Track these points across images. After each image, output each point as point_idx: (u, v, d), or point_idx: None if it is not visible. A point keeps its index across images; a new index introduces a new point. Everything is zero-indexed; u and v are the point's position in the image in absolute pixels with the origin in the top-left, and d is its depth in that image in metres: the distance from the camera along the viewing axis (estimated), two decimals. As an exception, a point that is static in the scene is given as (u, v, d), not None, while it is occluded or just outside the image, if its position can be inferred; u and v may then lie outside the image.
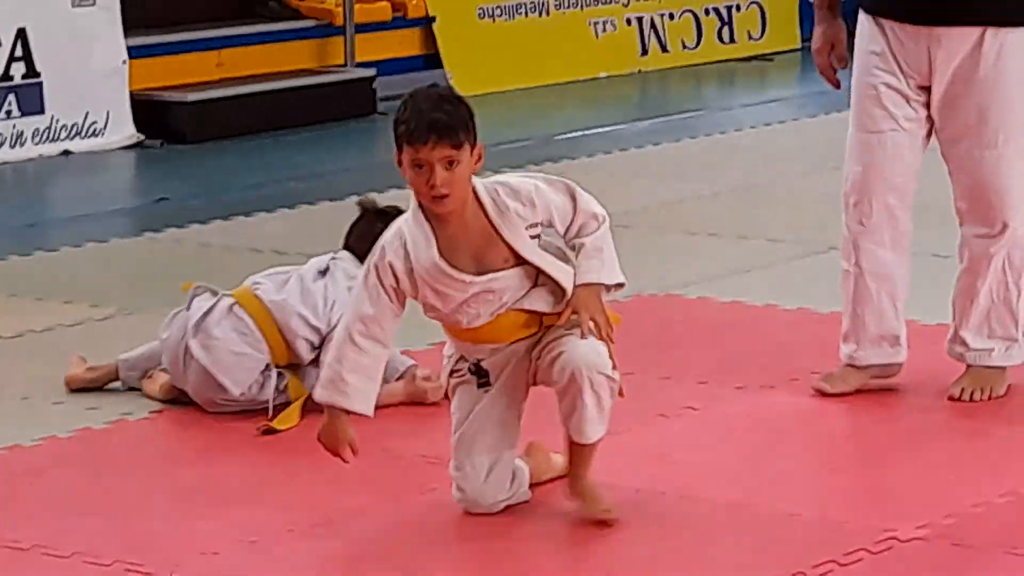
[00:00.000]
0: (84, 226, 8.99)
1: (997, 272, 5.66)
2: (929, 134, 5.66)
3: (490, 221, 4.61)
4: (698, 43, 13.97)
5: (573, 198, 4.73)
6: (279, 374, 6.02)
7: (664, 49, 13.71)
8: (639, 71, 13.65)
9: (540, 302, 4.71)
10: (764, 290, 7.16)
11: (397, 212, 4.94)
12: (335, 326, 5.72)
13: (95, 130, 10.81)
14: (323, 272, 6.11)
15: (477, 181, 4.63)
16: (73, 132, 10.74)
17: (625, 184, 9.67)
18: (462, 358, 4.83)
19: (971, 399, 5.69)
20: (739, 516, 4.92)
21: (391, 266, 4.63)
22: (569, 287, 4.69)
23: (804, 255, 7.52)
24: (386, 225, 5.24)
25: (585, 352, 4.64)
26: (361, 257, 5.60)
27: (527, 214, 4.63)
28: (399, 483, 5.32)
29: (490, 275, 4.61)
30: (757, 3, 14.39)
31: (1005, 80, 5.47)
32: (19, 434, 5.68)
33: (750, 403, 5.85)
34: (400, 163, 4.60)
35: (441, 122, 4.51)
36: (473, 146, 4.59)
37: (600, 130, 11.01)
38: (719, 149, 10.38)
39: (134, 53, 11.08)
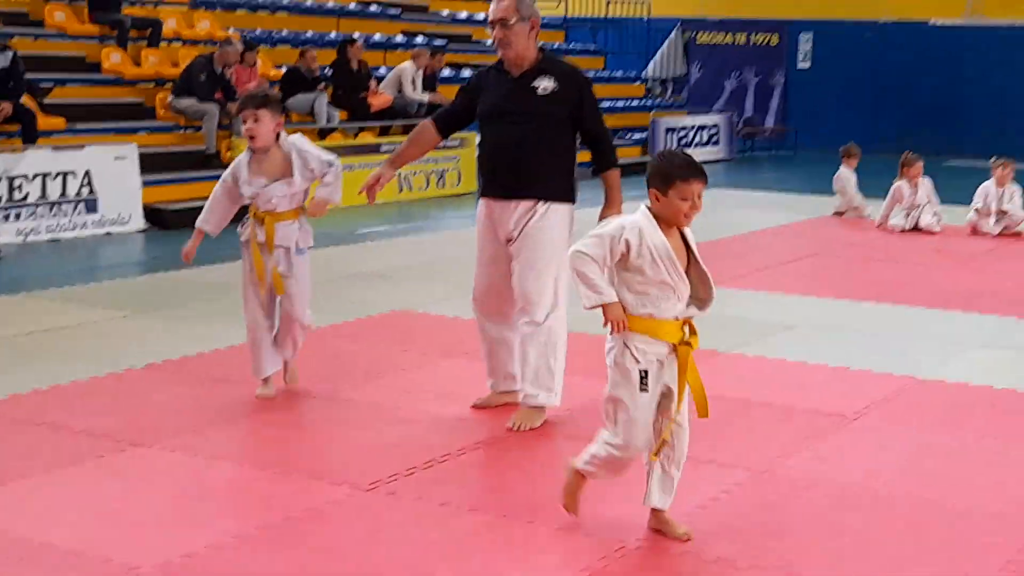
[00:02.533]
0: (116, 270, 8.83)
1: (538, 347, 4.95)
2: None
3: (684, 237, 3.80)
4: (427, 187, 13.68)
5: None
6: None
7: (411, 189, 13.32)
8: (397, 201, 13.12)
9: (689, 311, 3.81)
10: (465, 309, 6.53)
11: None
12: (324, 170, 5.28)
13: (123, 221, 10.69)
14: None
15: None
16: (112, 223, 10.63)
17: (397, 253, 9.55)
18: (636, 360, 3.74)
19: (518, 429, 4.93)
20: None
21: (627, 240, 3.72)
22: (711, 294, 3.85)
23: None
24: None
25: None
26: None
27: (694, 244, 3.86)
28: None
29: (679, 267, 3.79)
30: (457, 169, 13.95)
31: (545, 230, 4.93)
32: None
33: (449, 365, 6.02)
34: (662, 194, 3.75)
35: (703, 169, 3.80)
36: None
37: (379, 229, 10.87)
38: (442, 240, 10.32)
39: (145, 183, 10.92)
